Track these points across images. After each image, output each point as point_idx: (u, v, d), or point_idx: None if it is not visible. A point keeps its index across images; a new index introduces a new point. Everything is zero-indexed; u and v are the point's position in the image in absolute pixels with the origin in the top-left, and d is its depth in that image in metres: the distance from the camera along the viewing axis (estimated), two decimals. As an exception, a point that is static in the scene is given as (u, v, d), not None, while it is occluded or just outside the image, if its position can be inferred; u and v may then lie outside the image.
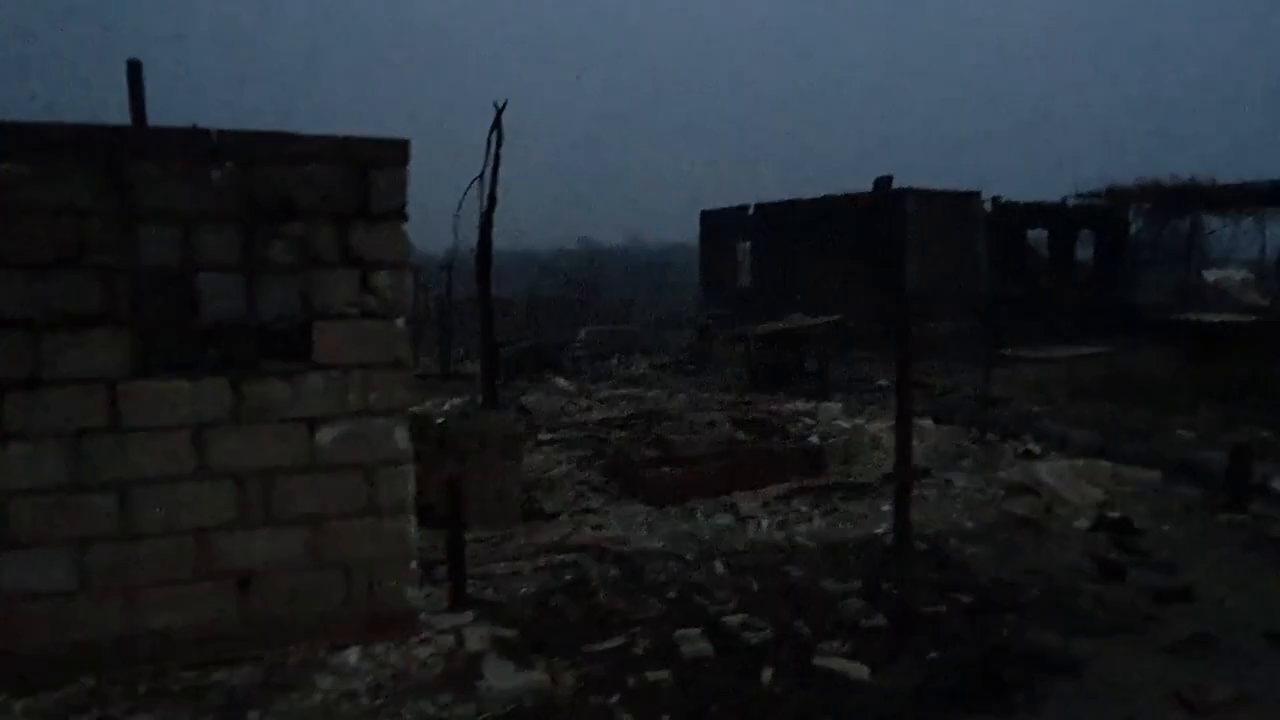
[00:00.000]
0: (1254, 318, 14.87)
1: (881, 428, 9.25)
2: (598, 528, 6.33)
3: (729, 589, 5.14)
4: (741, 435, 7.93)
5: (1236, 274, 25.83)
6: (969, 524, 6.46)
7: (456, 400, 11.36)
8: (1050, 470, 7.07)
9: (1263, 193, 19.00)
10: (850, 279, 20.21)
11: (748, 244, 23.96)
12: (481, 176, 10.07)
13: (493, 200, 10.00)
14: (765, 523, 6.44)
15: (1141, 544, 5.85)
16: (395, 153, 4.24)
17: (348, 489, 4.21)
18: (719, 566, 5.56)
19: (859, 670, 4.07)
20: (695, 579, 5.31)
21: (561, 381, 13.85)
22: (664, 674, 4.05)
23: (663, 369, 16.96)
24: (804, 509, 6.79)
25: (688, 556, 5.75)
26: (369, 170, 4.18)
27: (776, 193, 22.03)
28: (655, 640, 4.40)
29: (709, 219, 25.36)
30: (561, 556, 5.65)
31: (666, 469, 7.07)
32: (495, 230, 9.82)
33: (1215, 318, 15.21)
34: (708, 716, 3.72)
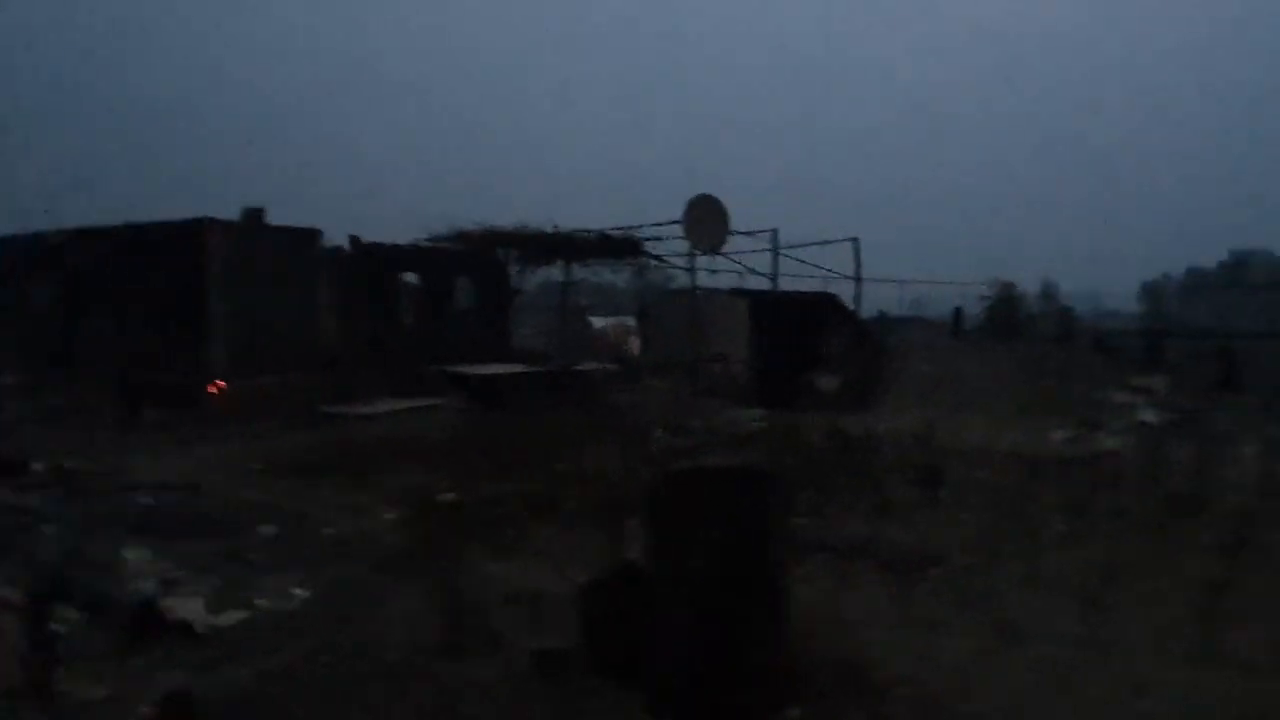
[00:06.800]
0: (535, 369, 14.09)
1: None
2: None
3: None
4: None
5: (623, 321, 27.02)
6: None
7: None
8: None
9: (593, 244, 19.20)
10: (146, 320, 16.43)
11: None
12: None
13: None
14: None
15: None
16: None
17: None
18: None
19: None
20: None
21: None
22: None
23: None
24: None
25: None
26: None
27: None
28: None
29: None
30: None
31: None
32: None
33: (498, 369, 14.22)
34: None
